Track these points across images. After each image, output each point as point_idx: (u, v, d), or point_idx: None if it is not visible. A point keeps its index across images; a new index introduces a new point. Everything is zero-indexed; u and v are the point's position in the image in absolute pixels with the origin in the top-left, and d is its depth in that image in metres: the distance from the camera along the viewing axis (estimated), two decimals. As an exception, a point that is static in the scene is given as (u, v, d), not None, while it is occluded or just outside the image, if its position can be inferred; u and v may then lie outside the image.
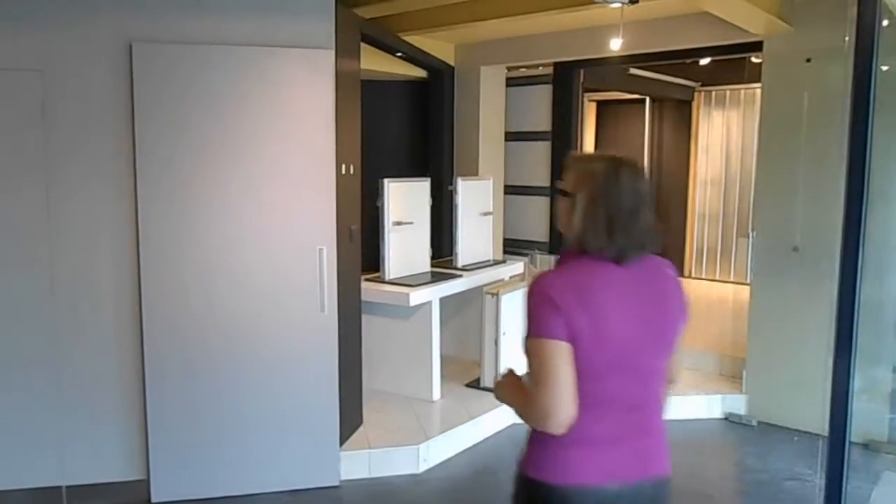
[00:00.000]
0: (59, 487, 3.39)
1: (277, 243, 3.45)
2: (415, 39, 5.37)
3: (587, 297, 1.59)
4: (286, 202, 3.44)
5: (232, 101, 3.34)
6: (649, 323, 1.68)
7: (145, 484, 3.44)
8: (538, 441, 1.69)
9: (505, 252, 6.22)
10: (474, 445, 4.16)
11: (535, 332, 1.59)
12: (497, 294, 4.64)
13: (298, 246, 3.46)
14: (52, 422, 3.37)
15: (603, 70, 6.49)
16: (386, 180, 4.32)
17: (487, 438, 4.27)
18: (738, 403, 4.71)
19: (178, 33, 3.31)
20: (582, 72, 6.36)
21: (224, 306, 3.42)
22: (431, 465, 3.90)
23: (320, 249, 3.46)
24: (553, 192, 6.51)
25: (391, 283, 4.44)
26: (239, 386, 3.47)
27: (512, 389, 1.77)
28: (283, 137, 3.42)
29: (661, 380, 1.77)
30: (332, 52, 3.45)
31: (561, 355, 1.55)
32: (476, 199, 5.06)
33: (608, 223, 1.62)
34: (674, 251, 8.67)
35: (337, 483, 3.64)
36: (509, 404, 1.78)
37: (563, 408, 1.55)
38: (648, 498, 1.75)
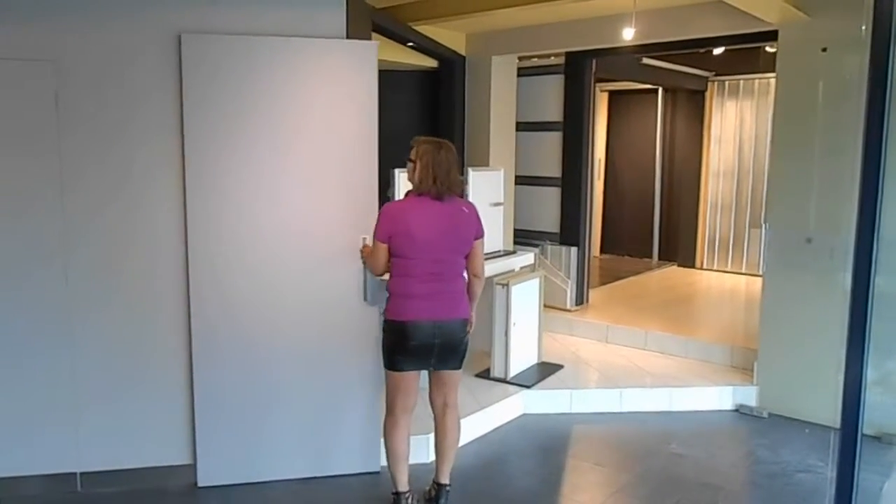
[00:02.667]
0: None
1: (322, 232, 3.50)
2: (426, 29, 5.36)
3: (403, 216, 3.00)
4: (331, 191, 3.49)
5: (278, 91, 3.37)
6: (441, 231, 3.01)
7: (192, 468, 3.50)
8: (389, 296, 3.08)
9: (515, 243, 6.22)
10: (484, 435, 4.18)
11: (374, 235, 3.09)
12: (507, 284, 4.64)
13: (342, 235, 3.50)
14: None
15: (615, 60, 6.45)
16: (396, 170, 4.32)
17: (497, 428, 4.29)
18: (749, 395, 4.69)
19: (204, 24, 3.31)
20: (594, 61, 6.32)
21: (269, 295, 3.46)
22: (441, 454, 3.91)
23: (364, 238, 3.50)
24: (564, 182, 6.50)
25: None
26: (283, 373, 3.53)
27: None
28: (327, 128, 3.46)
29: (457, 265, 3.08)
30: (376, 44, 3.52)
31: (379, 248, 3.06)
32: (487, 190, 5.05)
33: (434, 175, 2.95)
34: (686, 242, 8.65)
35: (378, 469, 3.69)
36: (365, 261, 3.38)
37: (378, 269, 3.15)
38: (452, 329, 3.05)
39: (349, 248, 3.49)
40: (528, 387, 4.60)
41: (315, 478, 3.59)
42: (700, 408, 4.68)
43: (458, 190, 3.08)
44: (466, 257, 3.12)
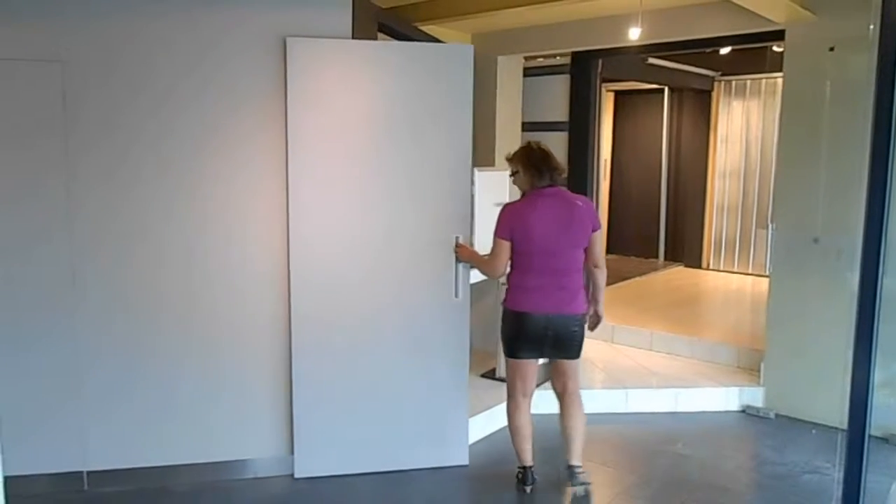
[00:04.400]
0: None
1: (417, 230, 3.59)
2: (431, 29, 5.35)
3: (522, 214, 3.23)
4: (426, 191, 3.58)
5: (374, 94, 3.48)
6: (558, 226, 3.20)
7: (290, 460, 3.62)
8: (508, 289, 3.33)
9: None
10: (489, 435, 4.18)
11: (496, 233, 3.28)
12: (513, 285, 4.63)
13: (436, 233, 3.60)
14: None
15: (621, 60, 6.44)
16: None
17: (502, 429, 4.26)
18: (755, 396, 4.68)
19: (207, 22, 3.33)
20: (600, 61, 6.32)
21: (364, 290, 3.57)
22: (447, 454, 3.91)
23: (456, 237, 3.60)
24: (570, 182, 6.48)
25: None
26: (377, 367, 3.63)
27: (469, 253, 3.58)
28: (424, 129, 3.56)
29: (575, 260, 3.25)
30: (471, 48, 3.62)
31: (501, 246, 3.26)
32: (493, 190, 5.01)
33: (534, 174, 3.24)
34: (692, 242, 8.63)
35: (466, 462, 3.79)
36: (468, 261, 3.60)
37: (499, 269, 3.32)
38: (564, 323, 3.26)
39: (442, 246, 3.60)
40: (533, 387, 4.59)
41: (407, 470, 3.70)
42: (706, 408, 4.67)
43: (563, 173, 3.29)
44: (585, 251, 3.29)
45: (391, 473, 3.67)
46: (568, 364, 3.41)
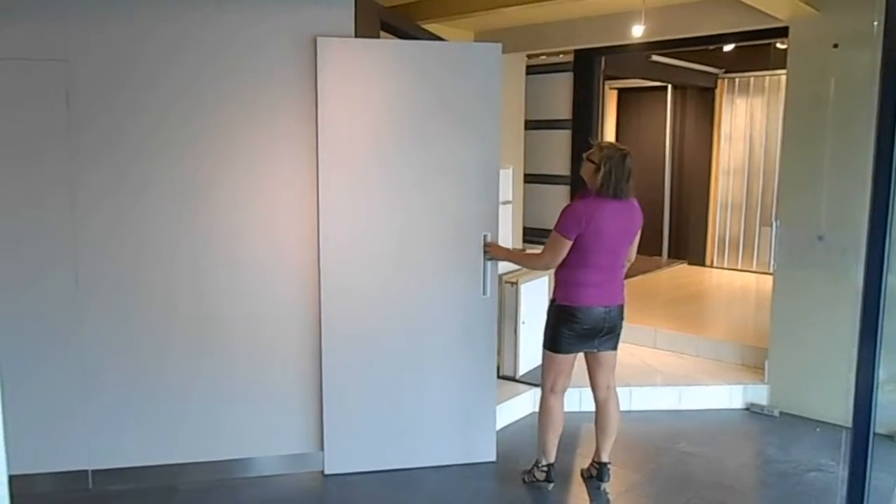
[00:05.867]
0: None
1: (444, 228, 3.63)
2: (434, 27, 5.35)
3: (594, 216, 3.19)
4: (454, 189, 3.61)
5: (405, 94, 3.50)
6: (621, 228, 3.28)
7: (320, 457, 3.68)
8: (560, 285, 3.37)
9: (524, 241, 6.21)
10: (497, 431, 4.17)
11: (559, 230, 3.26)
12: (516, 283, 4.63)
13: (465, 232, 3.63)
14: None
15: (624, 57, 6.42)
16: None
17: (507, 426, 4.29)
18: (759, 394, 4.67)
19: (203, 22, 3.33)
20: (603, 59, 6.29)
21: (393, 287, 3.61)
22: (451, 452, 3.91)
23: (485, 235, 3.63)
24: (573, 180, 6.47)
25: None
26: (406, 365, 3.68)
27: (505, 251, 3.73)
28: (453, 128, 3.57)
29: (623, 256, 3.38)
30: (499, 46, 3.61)
31: (565, 244, 3.24)
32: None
33: (616, 181, 3.19)
34: (696, 240, 8.62)
35: (494, 458, 3.82)
36: (505, 258, 3.69)
37: (553, 265, 3.35)
38: (617, 314, 3.37)
39: (471, 244, 3.62)
40: (537, 385, 4.58)
41: (436, 466, 3.74)
42: (710, 406, 4.66)
43: (631, 189, 3.29)
44: None
45: (420, 470, 3.71)
46: (612, 356, 3.48)
